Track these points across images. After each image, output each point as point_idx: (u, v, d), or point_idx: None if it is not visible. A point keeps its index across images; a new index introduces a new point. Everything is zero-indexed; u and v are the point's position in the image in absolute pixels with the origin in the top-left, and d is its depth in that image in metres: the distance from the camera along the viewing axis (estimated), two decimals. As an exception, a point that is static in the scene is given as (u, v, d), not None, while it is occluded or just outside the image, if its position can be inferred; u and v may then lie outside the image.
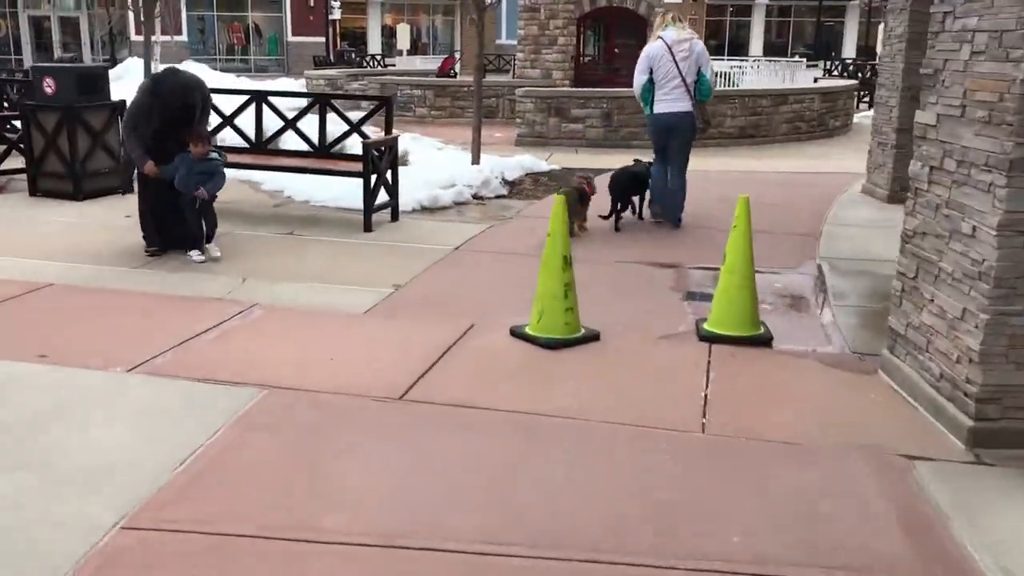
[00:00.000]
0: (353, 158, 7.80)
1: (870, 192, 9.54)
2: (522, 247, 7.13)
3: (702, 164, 10.52)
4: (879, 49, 31.19)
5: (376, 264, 6.57)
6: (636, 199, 8.00)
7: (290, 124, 8.17)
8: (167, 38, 29.87)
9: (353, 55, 32.28)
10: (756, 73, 25.52)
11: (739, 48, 41.15)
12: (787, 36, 41.82)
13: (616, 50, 20.00)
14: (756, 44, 41.19)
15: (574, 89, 15.09)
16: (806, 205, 9.14)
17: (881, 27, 33.49)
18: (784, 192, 9.83)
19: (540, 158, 11.84)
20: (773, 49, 40.29)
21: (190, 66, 29.94)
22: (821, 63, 32.77)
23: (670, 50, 7.58)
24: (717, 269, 5.31)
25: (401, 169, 9.48)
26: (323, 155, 8.02)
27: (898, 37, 9.09)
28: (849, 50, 41.09)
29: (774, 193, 9.72)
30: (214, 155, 6.42)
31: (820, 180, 10.88)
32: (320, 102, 8.09)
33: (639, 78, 7.74)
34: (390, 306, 5.57)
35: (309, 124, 8.16)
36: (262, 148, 8.15)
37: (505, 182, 10.06)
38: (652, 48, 7.74)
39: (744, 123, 13.88)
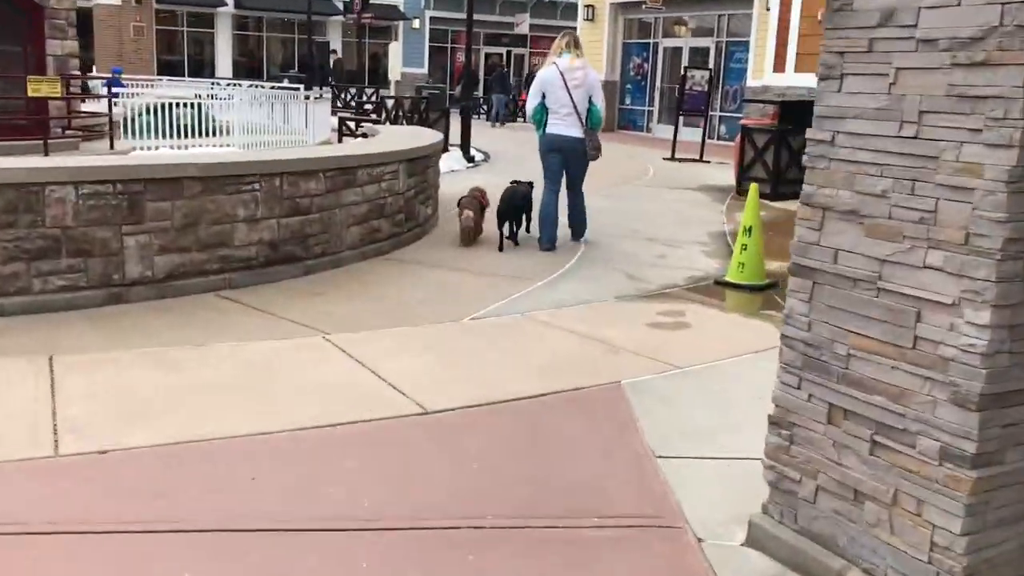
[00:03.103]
0: None
1: None
2: None
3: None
4: (392, 75, 25.74)
5: None
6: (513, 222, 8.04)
7: None
8: None
9: None
10: (244, 106, 18.06)
11: (203, 68, 33.03)
12: (261, 54, 34.73)
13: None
14: (224, 63, 33.38)
15: None
16: None
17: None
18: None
19: None
20: (246, 70, 32.95)
21: None
22: (322, 90, 26.34)
23: (563, 77, 7.66)
24: None
25: None
26: None
27: None
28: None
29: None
30: None
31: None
32: None
33: (532, 101, 7.92)
34: None
35: None
36: None
37: None
38: (546, 74, 7.82)
39: (278, 233, 6.35)
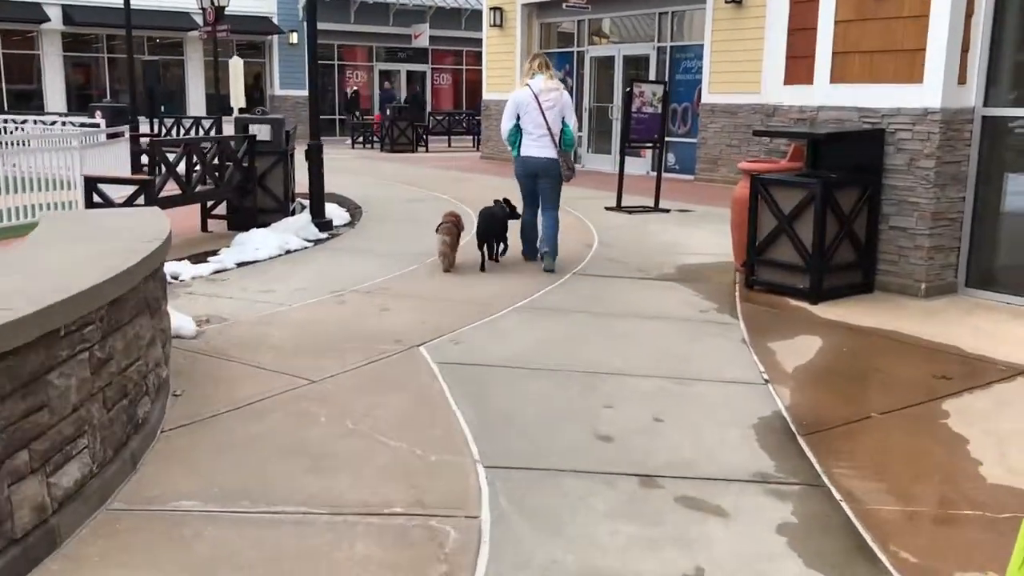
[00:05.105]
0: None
1: None
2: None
3: None
4: (236, 102, 20.02)
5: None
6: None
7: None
8: None
9: None
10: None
11: (31, 99, 27.01)
12: (102, 80, 28.79)
13: None
14: (55, 92, 27.36)
15: None
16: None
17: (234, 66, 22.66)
18: None
19: None
20: (84, 99, 27.12)
21: None
22: (156, 123, 20.87)
23: (536, 99, 7.70)
24: None
25: None
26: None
27: None
28: (197, 100, 29.68)
29: None
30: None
31: None
32: None
33: (507, 123, 7.92)
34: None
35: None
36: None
37: None
38: (520, 95, 7.86)
39: None
